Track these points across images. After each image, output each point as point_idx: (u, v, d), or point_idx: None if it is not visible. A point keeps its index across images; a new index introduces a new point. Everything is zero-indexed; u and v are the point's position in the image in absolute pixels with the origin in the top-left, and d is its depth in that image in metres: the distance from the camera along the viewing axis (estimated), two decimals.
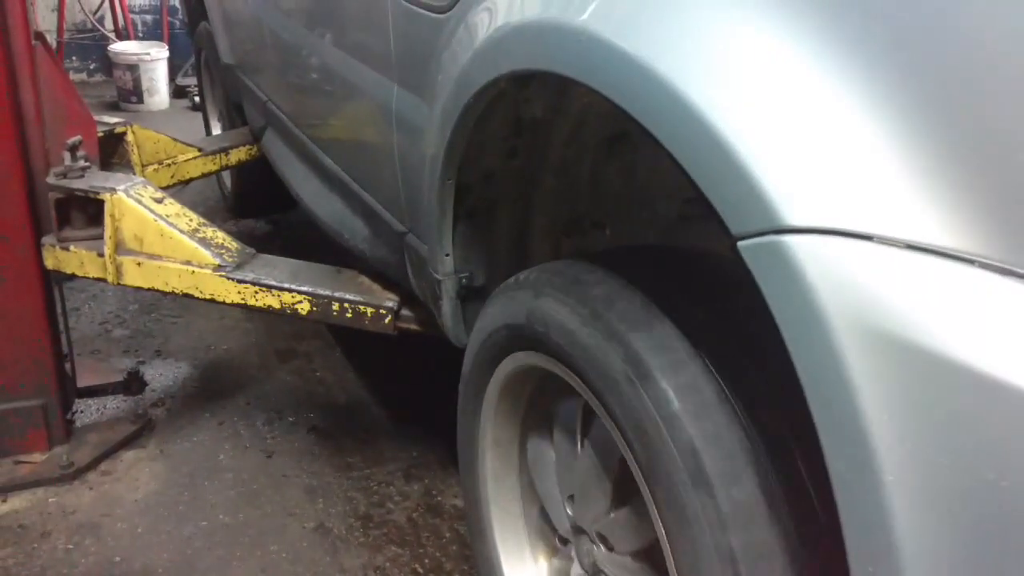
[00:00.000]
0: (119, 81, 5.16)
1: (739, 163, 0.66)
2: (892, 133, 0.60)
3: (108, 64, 5.40)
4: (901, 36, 0.61)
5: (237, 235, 2.33)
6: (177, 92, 5.37)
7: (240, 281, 1.76)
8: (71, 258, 1.84)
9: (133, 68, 5.07)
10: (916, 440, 0.58)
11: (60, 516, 1.81)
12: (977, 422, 0.55)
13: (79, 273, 1.85)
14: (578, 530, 1.17)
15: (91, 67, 5.81)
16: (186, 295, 1.80)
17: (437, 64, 1.24)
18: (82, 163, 1.84)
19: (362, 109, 1.67)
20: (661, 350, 0.87)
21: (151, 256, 1.80)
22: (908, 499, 0.58)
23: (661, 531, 0.87)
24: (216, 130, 3.60)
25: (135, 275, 1.80)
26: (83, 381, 2.14)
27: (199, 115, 3.99)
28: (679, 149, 0.74)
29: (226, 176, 3.40)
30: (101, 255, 1.80)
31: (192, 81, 4.95)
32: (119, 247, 1.81)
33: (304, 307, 1.75)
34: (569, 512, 1.18)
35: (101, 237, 1.80)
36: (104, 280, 1.82)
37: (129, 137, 2.46)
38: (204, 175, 2.83)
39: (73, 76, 5.55)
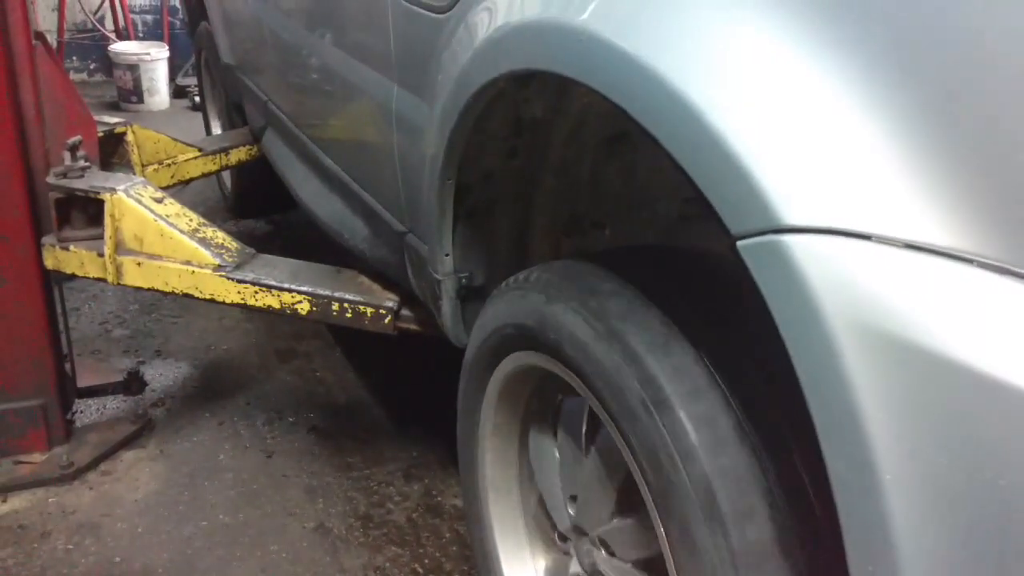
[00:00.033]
0: (119, 81, 5.17)
1: (738, 163, 0.67)
2: (891, 133, 0.60)
3: (108, 64, 5.40)
4: (900, 36, 0.61)
5: (237, 235, 2.33)
6: (177, 92, 5.37)
7: (240, 281, 1.76)
8: (71, 258, 1.84)
9: (133, 68, 5.07)
10: (915, 439, 0.58)
11: (60, 516, 1.81)
12: (976, 421, 0.56)
13: (79, 273, 1.85)
14: (579, 531, 1.17)
15: (91, 67, 5.81)
16: (186, 295, 1.80)
17: (437, 64, 1.24)
18: (82, 163, 1.84)
19: (362, 109, 1.67)
20: (679, 376, 0.85)
21: (151, 256, 1.80)
22: (907, 498, 0.58)
23: (669, 558, 0.86)
24: (216, 130, 3.60)
25: (135, 275, 1.81)
26: (83, 381, 2.14)
27: (199, 115, 3.99)
28: (678, 149, 0.74)
29: (226, 176, 3.40)
30: (101, 255, 1.80)
31: (192, 81, 4.96)
32: (119, 247, 1.81)
33: (304, 307, 1.75)
34: (571, 512, 1.18)
35: (101, 237, 1.80)
36: (104, 280, 1.82)
37: (129, 137, 2.46)
38: (204, 175, 2.83)
39: (73, 76, 5.55)
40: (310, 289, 1.74)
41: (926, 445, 0.58)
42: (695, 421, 0.82)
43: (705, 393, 0.84)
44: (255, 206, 3.43)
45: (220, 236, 1.86)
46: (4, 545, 1.72)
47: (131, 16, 5.68)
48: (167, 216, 1.81)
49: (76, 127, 1.92)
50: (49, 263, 1.86)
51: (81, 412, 2.11)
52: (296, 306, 1.75)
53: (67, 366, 2.04)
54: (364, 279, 1.79)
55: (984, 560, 0.57)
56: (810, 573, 0.78)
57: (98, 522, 1.80)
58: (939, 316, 0.57)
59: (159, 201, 1.85)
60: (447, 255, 1.35)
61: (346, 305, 1.72)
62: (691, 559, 0.82)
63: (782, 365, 0.65)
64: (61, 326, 1.99)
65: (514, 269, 1.22)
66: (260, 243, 2.38)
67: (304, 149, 2.17)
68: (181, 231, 1.80)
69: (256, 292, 1.76)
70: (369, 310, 1.71)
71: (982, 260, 0.56)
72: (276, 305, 1.76)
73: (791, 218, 0.63)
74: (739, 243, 0.67)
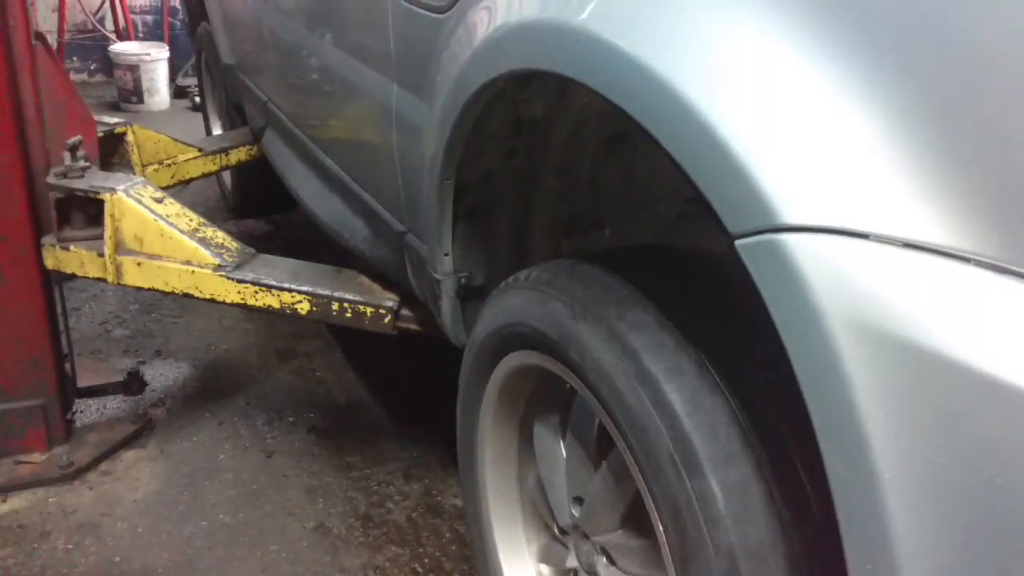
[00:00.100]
0: (119, 81, 5.17)
1: (737, 162, 0.67)
2: (889, 132, 0.60)
3: (109, 64, 5.40)
4: (898, 36, 0.61)
5: (237, 235, 2.34)
6: (177, 92, 5.37)
7: (240, 281, 1.76)
8: (71, 258, 1.84)
9: (133, 68, 5.07)
10: (913, 438, 0.58)
11: (60, 516, 1.81)
12: (974, 420, 0.56)
13: (79, 273, 1.85)
14: (581, 532, 1.17)
15: (92, 67, 5.81)
16: (186, 295, 1.80)
17: (437, 64, 1.24)
18: (82, 163, 1.84)
19: (362, 109, 1.67)
20: (714, 439, 0.81)
21: (151, 256, 1.80)
22: (905, 496, 0.58)
23: None
24: (216, 130, 3.61)
25: (135, 275, 1.81)
26: (83, 381, 2.14)
27: (199, 115, 3.99)
28: (677, 148, 0.74)
29: (226, 176, 3.40)
30: (101, 255, 1.80)
31: (192, 81, 4.96)
32: (119, 247, 1.81)
33: (304, 307, 1.75)
34: (574, 512, 1.17)
35: (101, 237, 1.80)
36: (104, 280, 1.82)
37: (129, 137, 2.46)
38: (204, 175, 2.83)
39: (74, 76, 5.55)
40: (310, 289, 1.74)
41: (925, 444, 0.58)
42: (726, 490, 0.79)
43: (739, 459, 0.80)
44: (255, 206, 3.43)
45: (220, 236, 1.86)
46: (4, 545, 1.72)
47: (131, 16, 5.68)
48: (167, 216, 1.81)
49: (76, 127, 1.93)
50: (49, 263, 1.86)
51: (81, 412, 2.11)
52: (296, 306, 1.75)
53: (67, 366, 2.04)
54: (364, 279, 1.79)
55: (983, 559, 0.57)
56: (809, 573, 0.78)
57: (98, 522, 1.80)
58: (937, 315, 0.57)
59: (159, 201, 1.85)
60: (447, 255, 1.35)
61: (346, 305, 1.72)
62: None
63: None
64: (61, 326, 1.99)
65: (514, 269, 1.22)
66: (260, 243, 2.38)
67: (304, 149, 2.17)
68: (181, 231, 1.80)
69: (256, 292, 1.76)
70: (369, 310, 1.71)
71: (980, 259, 0.56)
72: (276, 305, 1.76)
73: (789, 217, 0.63)
74: (737, 242, 0.67)
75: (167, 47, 5.30)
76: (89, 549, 1.73)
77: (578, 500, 1.16)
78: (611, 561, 1.11)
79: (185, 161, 2.68)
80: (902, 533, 0.59)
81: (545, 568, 1.34)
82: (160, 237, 1.79)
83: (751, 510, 0.79)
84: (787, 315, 0.64)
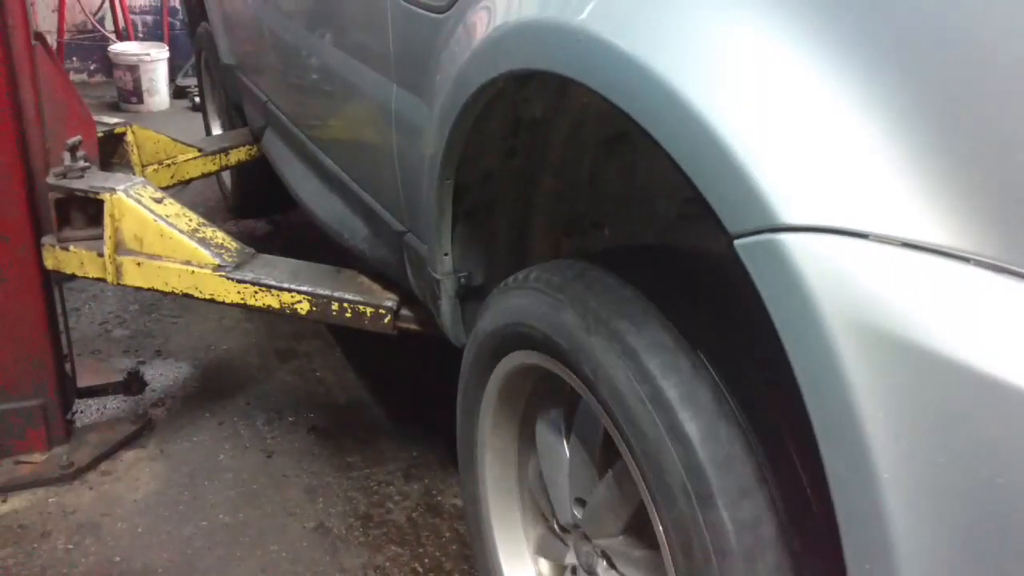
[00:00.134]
0: (119, 82, 5.17)
1: (736, 162, 0.67)
2: (888, 132, 0.60)
3: (108, 65, 5.40)
4: (898, 36, 0.61)
5: (237, 235, 2.34)
6: (177, 93, 5.37)
7: (240, 281, 1.76)
8: (71, 258, 1.84)
9: (133, 69, 5.07)
10: (912, 438, 0.58)
11: (60, 516, 1.81)
12: (973, 420, 0.56)
13: (79, 273, 1.85)
14: (581, 533, 1.16)
15: (91, 68, 5.81)
16: (186, 295, 1.80)
17: (436, 64, 1.24)
18: (82, 163, 1.84)
19: (361, 109, 1.67)
20: (729, 471, 0.80)
21: (151, 256, 1.80)
22: (904, 497, 0.58)
23: None
24: (216, 130, 3.61)
25: (135, 275, 1.81)
26: (83, 381, 2.14)
27: (199, 115, 3.99)
28: (676, 148, 0.74)
29: (226, 176, 3.40)
30: (101, 255, 1.80)
31: (192, 82, 4.96)
32: (119, 247, 1.81)
33: (303, 307, 1.75)
34: (576, 513, 1.16)
35: (101, 237, 1.80)
36: (104, 280, 1.82)
37: (129, 137, 2.46)
38: (204, 175, 2.83)
39: (73, 77, 5.55)
40: (310, 289, 1.74)
41: (924, 444, 0.58)
42: (738, 527, 0.78)
43: (753, 494, 0.79)
44: (255, 206, 3.43)
45: (220, 236, 1.86)
46: (4, 545, 1.72)
47: (131, 17, 5.68)
48: (167, 216, 1.81)
49: (76, 127, 1.92)
50: (49, 263, 1.86)
51: (81, 412, 2.11)
52: (296, 306, 1.75)
53: (67, 366, 2.04)
54: (364, 279, 1.79)
55: (982, 559, 0.57)
56: (809, 573, 0.78)
57: (98, 522, 1.80)
58: (937, 315, 0.57)
59: (159, 201, 1.85)
60: (446, 255, 1.35)
61: (346, 305, 1.72)
62: None
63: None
64: (61, 326, 1.99)
65: (513, 269, 1.22)
66: (260, 243, 2.38)
67: (303, 149, 2.17)
68: (181, 231, 1.80)
69: (256, 292, 1.76)
70: (369, 310, 1.71)
71: (979, 259, 0.56)
72: (276, 305, 1.76)
73: (788, 217, 0.63)
74: (736, 242, 0.67)
75: (167, 47, 5.29)
76: (89, 549, 1.73)
77: (580, 501, 1.15)
78: (611, 565, 1.11)
79: (185, 161, 2.68)
80: (901, 533, 0.59)
81: (544, 566, 1.34)
82: (160, 237, 1.79)
83: (762, 545, 0.78)
84: (786, 315, 0.64)
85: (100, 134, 2.25)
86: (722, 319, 0.92)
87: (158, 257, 1.80)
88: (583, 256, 1.10)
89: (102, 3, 5.64)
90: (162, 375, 2.35)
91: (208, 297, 1.79)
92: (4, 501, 1.84)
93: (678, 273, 1.01)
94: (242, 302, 1.78)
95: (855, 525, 0.62)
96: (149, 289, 1.82)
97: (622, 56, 0.79)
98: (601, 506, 1.10)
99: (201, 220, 1.89)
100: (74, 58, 5.73)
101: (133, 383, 2.22)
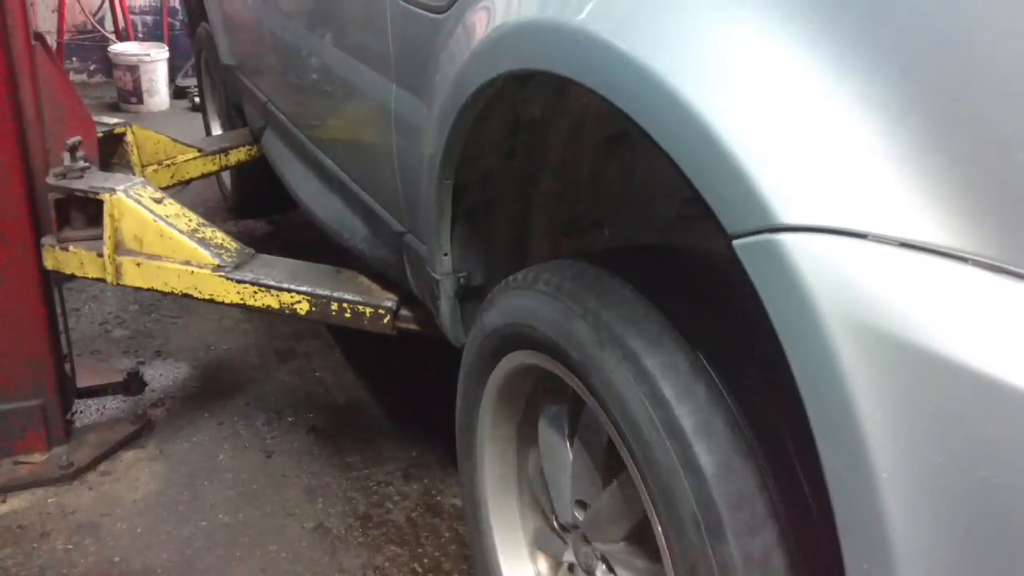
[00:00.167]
0: (119, 82, 5.17)
1: (734, 162, 0.67)
2: (887, 132, 0.60)
3: (108, 65, 5.40)
4: (897, 36, 0.61)
5: (237, 235, 2.34)
6: (177, 93, 5.38)
7: (239, 281, 1.76)
8: (71, 258, 1.84)
9: (133, 69, 5.07)
10: (910, 437, 0.58)
11: (59, 516, 1.81)
12: (971, 420, 0.56)
13: (78, 273, 1.85)
14: (581, 535, 1.16)
15: (91, 68, 5.81)
16: (185, 295, 1.80)
17: (435, 64, 1.24)
18: (82, 163, 1.84)
19: (361, 109, 1.67)
20: (739, 508, 0.79)
21: (150, 256, 1.80)
22: (903, 496, 0.58)
23: None
24: (216, 131, 3.61)
25: (134, 275, 1.81)
26: (83, 381, 2.14)
27: (199, 116, 3.99)
28: (675, 149, 0.74)
29: (226, 177, 3.40)
30: (100, 255, 1.80)
31: (192, 82, 4.96)
32: (118, 247, 1.81)
33: (303, 307, 1.75)
34: (577, 515, 1.16)
35: (100, 237, 1.80)
36: (104, 280, 1.82)
37: (129, 137, 2.46)
38: (204, 175, 2.83)
39: (73, 77, 5.55)
40: (309, 289, 1.74)
41: (922, 444, 0.58)
42: (747, 561, 0.78)
43: (761, 531, 0.79)
44: (254, 206, 3.43)
45: (219, 236, 1.86)
46: (3, 545, 1.72)
47: (131, 17, 5.69)
48: (166, 216, 1.81)
49: (76, 128, 1.93)
50: (49, 263, 1.86)
51: (81, 412, 2.11)
52: (295, 306, 1.75)
53: (67, 366, 2.04)
54: (363, 279, 1.79)
55: (980, 559, 0.57)
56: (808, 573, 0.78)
57: (97, 522, 1.80)
58: (935, 315, 0.57)
59: (158, 201, 1.85)
60: (446, 255, 1.35)
61: (345, 305, 1.72)
62: None
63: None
64: (61, 326, 1.99)
65: (513, 269, 1.22)
66: (260, 243, 2.38)
67: (303, 149, 2.17)
68: (180, 231, 1.80)
69: (255, 292, 1.76)
70: (368, 310, 1.71)
71: (978, 259, 0.56)
72: (275, 305, 1.76)
73: (787, 217, 0.63)
74: (735, 242, 0.67)
75: (167, 48, 5.30)
76: (88, 549, 1.73)
77: (581, 503, 1.15)
78: (610, 568, 1.11)
79: (185, 161, 2.68)
80: (900, 533, 0.59)
81: (543, 567, 1.34)
82: (159, 237, 1.79)
83: None
84: (785, 315, 0.64)
85: (100, 134, 2.25)
86: (722, 319, 0.92)
87: (158, 257, 1.80)
88: (583, 256, 1.10)
89: (102, 3, 5.64)
90: (162, 375, 2.35)
91: (207, 297, 1.79)
92: (3, 501, 1.84)
93: (679, 273, 1.01)
94: (241, 302, 1.78)
95: (854, 525, 0.62)
96: (149, 289, 1.82)
97: (621, 56, 0.79)
98: (603, 513, 1.09)
99: (201, 220, 1.89)
100: (74, 58, 5.73)
101: (133, 383, 2.22)
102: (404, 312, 1.70)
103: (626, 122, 0.80)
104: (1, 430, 1.90)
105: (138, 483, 1.92)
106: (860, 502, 0.61)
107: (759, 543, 0.78)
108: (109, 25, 5.67)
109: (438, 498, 1.90)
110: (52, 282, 1.93)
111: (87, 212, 1.84)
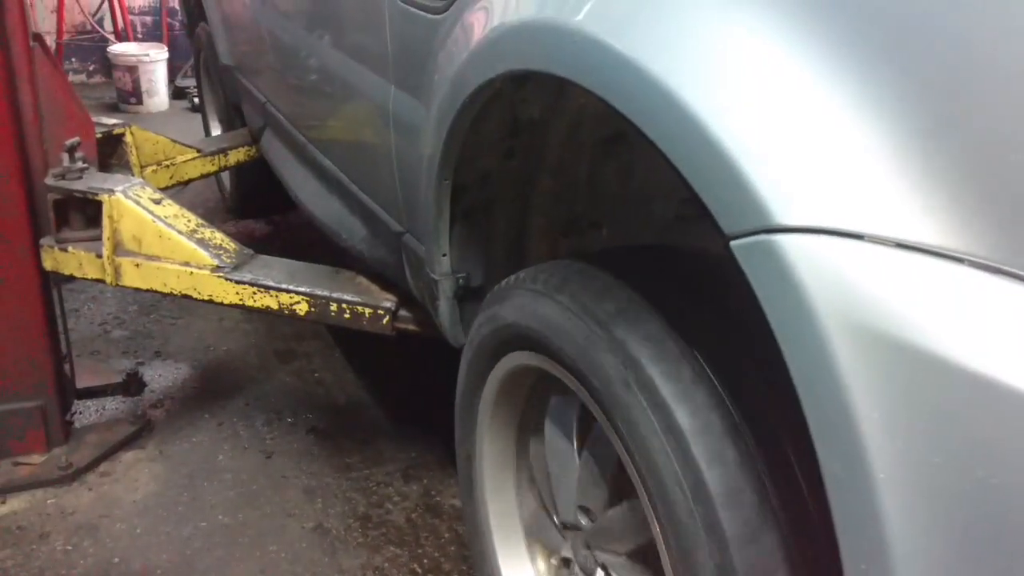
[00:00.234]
0: (118, 82, 5.17)
1: (731, 163, 0.67)
2: (883, 133, 0.60)
3: (107, 65, 5.41)
4: (894, 37, 0.61)
5: (236, 236, 2.33)
6: (176, 93, 5.38)
7: (238, 282, 1.76)
8: (70, 259, 1.84)
9: (132, 69, 5.07)
10: (907, 438, 0.58)
11: (59, 517, 1.81)
12: (968, 420, 0.56)
13: (78, 274, 1.85)
14: (582, 539, 1.16)
15: (90, 68, 5.81)
16: (184, 296, 1.80)
17: (433, 65, 1.24)
18: (80, 164, 1.84)
19: (360, 110, 1.67)
20: (750, 543, 0.78)
21: (150, 257, 1.80)
22: (900, 497, 0.58)
23: None
24: (215, 131, 3.60)
25: (134, 276, 1.81)
26: (82, 382, 2.14)
27: (198, 116, 3.99)
28: (673, 149, 0.74)
29: (225, 177, 3.40)
30: (100, 256, 1.80)
31: (191, 82, 4.96)
32: (118, 248, 1.81)
33: (302, 308, 1.75)
34: (580, 520, 1.15)
35: (99, 238, 1.80)
36: (103, 281, 1.82)
37: (128, 138, 2.46)
38: (203, 176, 2.83)
39: (72, 77, 5.55)
40: (308, 290, 1.74)
41: (919, 444, 0.58)
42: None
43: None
44: (254, 207, 3.43)
45: (218, 237, 1.86)
46: (3, 546, 1.72)
47: (130, 18, 5.69)
48: (165, 217, 1.81)
49: (74, 128, 1.92)
50: (48, 264, 1.86)
51: (80, 413, 2.11)
52: (294, 307, 1.75)
53: (66, 367, 2.04)
54: (362, 280, 1.79)
55: (977, 559, 0.57)
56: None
57: (97, 523, 1.80)
58: (932, 315, 0.57)
59: (157, 202, 1.85)
60: (444, 255, 1.35)
61: (344, 306, 1.72)
62: None
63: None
64: (60, 327, 1.99)
65: (511, 269, 1.22)
66: (259, 244, 2.38)
67: (302, 150, 2.17)
68: (179, 232, 1.80)
69: (254, 293, 1.76)
70: (367, 311, 1.71)
71: (974, 259, 0.57)
72: (274, 306, 1.76)
73: (784, 218, 0.63)
74: (732, 243, 0.67)
75: (166, 48, 5.30)
76: (88, 550, 1.73)
77: (585, 508, 1.15)
78: (608, 575, 1.11)
79: (184, 162, 2.68)
80: (897, 533, 0.59)
81: (543, 567, 1.34)
82: (159, 238, 1.79)
83: None
84: (782, 316, 0.64)
85: (99, 135, 2.24)
86: (721, 319, 0.92)
87: (157, 258, 1.80)
88: (581, 256, 1.10)
89: (101, 4, 5.65)
90: (161, 376, 2.35)
91: (207, 298, 1.79)
92: (3, 502, 1.84)
93: (678, 273, 1.01)
94: (241, 303, 1.78)
95: (851, 525, 0.62)
96: (148, 290, 1.82)
97: (619, 57, 0.79)
98: (609, 528, 1.09)
99: (200, 221, 1.89)
100: (73, 59, 5.73)
101: (132, 384, 2.22)
102: (403, 313, 1.70)
103: (624, 123, 0.80)
104: (0, 431, 1.90)
105: (137, 484, 1.92)
106: (857, 502, 0.61)
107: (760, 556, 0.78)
108: (108, 25, 5.67)
109: (437, 498, 1.90)
110: (51, 283, 1.93)
111: (86, 213, 1.84)
